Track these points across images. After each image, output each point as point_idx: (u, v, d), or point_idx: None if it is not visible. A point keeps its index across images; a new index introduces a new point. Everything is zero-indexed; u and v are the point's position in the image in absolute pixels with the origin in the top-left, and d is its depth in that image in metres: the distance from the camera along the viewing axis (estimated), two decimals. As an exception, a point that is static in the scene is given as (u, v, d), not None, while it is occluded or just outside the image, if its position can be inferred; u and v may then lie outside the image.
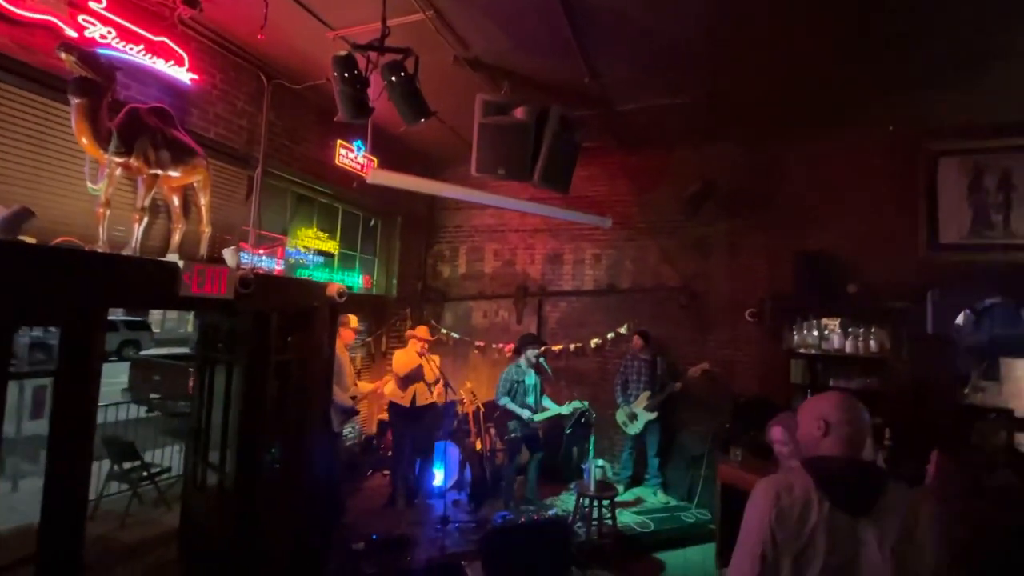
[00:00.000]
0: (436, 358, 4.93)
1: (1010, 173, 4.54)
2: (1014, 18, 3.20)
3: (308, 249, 4.95)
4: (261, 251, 4.16)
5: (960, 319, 4.48)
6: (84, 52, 2.44)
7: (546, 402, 4.79)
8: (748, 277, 5.40)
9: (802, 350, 4.80)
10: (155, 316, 21.48)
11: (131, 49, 3.18)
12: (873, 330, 4.57)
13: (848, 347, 4.62)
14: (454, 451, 4.94)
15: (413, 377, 4.59)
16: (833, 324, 4.77)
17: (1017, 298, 4.27)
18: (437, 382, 4.67)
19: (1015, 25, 3.25)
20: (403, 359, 4.64)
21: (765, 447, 4.36)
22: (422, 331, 4.83)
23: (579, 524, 4.12)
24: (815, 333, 4.79)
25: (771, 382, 4.94)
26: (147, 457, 4.68)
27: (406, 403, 4.57)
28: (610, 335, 5.84)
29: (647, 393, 5.07)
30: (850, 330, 4.66)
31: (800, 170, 5.28)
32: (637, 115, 4.88)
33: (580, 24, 3.48)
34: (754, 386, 5.15)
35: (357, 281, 5.81)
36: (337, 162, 4.94)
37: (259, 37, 3.47)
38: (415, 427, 4.63)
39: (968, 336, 4.61)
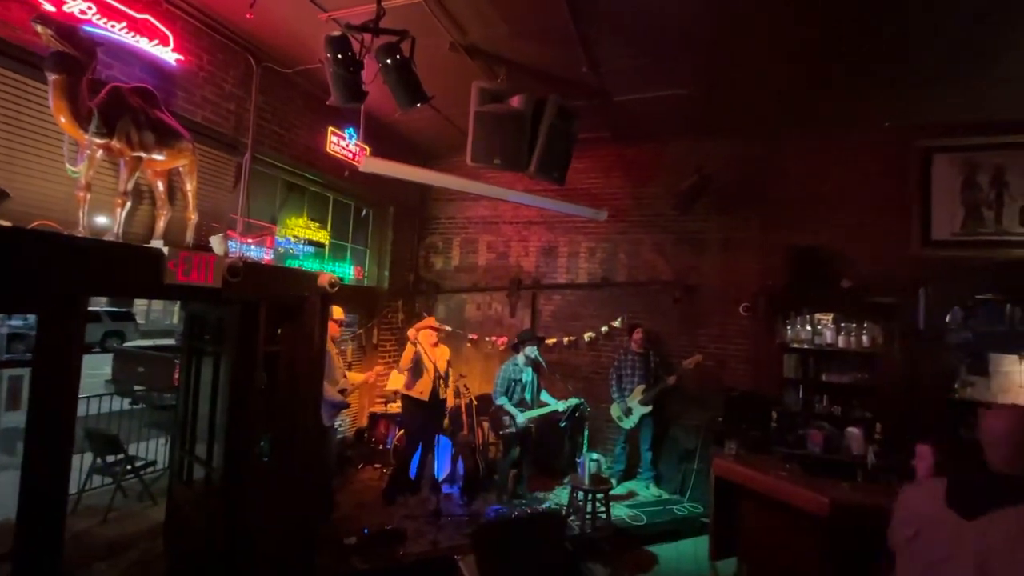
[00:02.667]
0: (445, 349, 4.82)
1: (1003, 170, 4.56)
2: (1007, 17, 3.19)
3: (298, 239, 4.84)
4: (250, 240, 4.05)
5: (950, 315, 4.51)
6: (62, 25, 2.32)
7: (545, 396, 4.75)
8: (741, 272, 5.40)
9: (795, 344, 4.80)
10: (140, 307, 21.10)
11: (112, 26, 3.04)
12: (865, 325, 4.60)
13: (841, 342, 4.64)
14: (446, 444, 4.89)
15: (416, 367, 4.51)
16: (826, 319, 4.79)
17: (1006, 294, 4.31)
18: (446, 377, 4.58)
19: (1008, 25, 3.24)
20: (405, 354, 4.59)
21: (759, 440, 4.41)
22: (428, 321, 4.78)
23: (573, 517, 4.10)
24: (808, 328, 4.80)
25: (764, 376, 4.95)
26: (131, 450, 4.57)
27: (426, 397, 4.50)
28: (604, 328, 5.81)
29: (641, 386, 5.06)
30: (843, 325, 4.68)
31: (794, 166, 5.28)
32: (634, 107, 4.83)
33: (580, 11, 3.41)
34: (747, 380, 5.16)
35: (348, 272, 5.71)
36: (328, 150, 4.82)
37: (248, 16, 3.35)
38: (430, 420, 4.58)
39: (957, 332, 4.65)
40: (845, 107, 4.66)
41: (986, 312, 4.60)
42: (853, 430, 4.38)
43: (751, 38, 3.64)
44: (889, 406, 4.36)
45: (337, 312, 4.33)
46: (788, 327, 4.87)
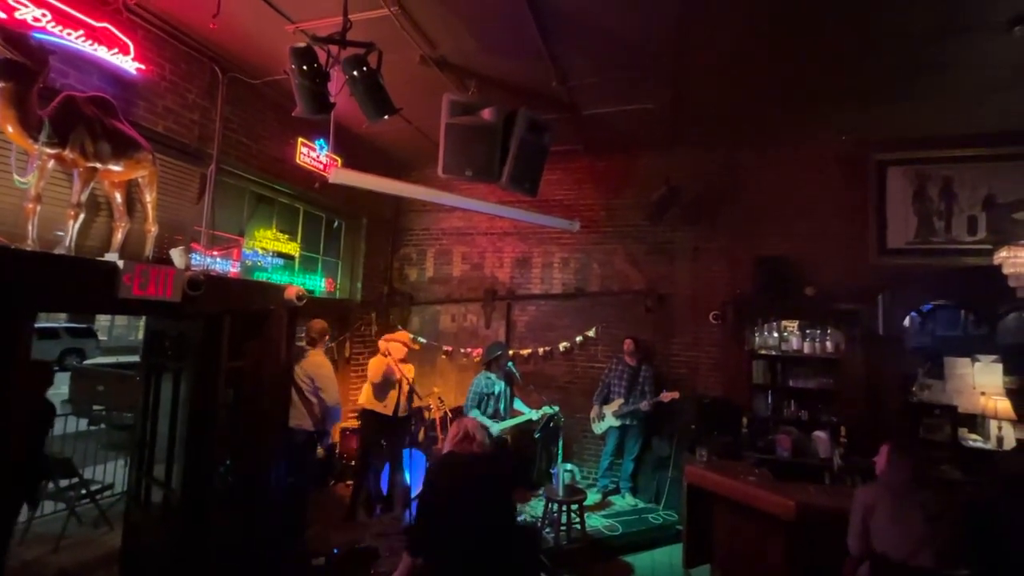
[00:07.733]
0: (410, 367, 4.72)
1: (951, 182, 4.81)
2: (953, 39, 3.39)
3: (267, 251, 4.74)
4: (215, 252, 3.95)
5: (907, 321, 4.70)
6: (10, 32, 2.25)
7: (519, 405, 4.71)
8: (711, 281, 5.52)
9: (763, 351, 4.92)
10: (103, 323, 20.25)
11: (69, 34, 2.96)
12: (829, 331, 4.74)
13: (806, 348, 4.77)
14: (420, 458, 4.80)
15: (387, 382, 4.42)
16: (792, 326, 4.92)
17: (958, 300, 4.52)
18: (410, 394, 4.47)
19: (955, 42, 3.44)
20: (376, 365, 4.48)
21: (730, 446, 4.46)
22: (403, 336, 4.68)
23: (548, 529, 4.07)
24: (775, 335, 4.93)
25: (734, 383, 5.04)
26: (89, 473, 4.37)
27: (388, 412, 4.39)
28: (579, 338, 5.85)
29: (620, 401, 5.06)
30: (808, 332, 4.81)
31: (760, 178, 5.45)
32: (603, 120, 4.92)
33: (547, 27, 3.47)
34: (718, 387, 5.25)
35: (319, 284, 5.62)
36: (298, 161, 4.75)
37: (211, 27, 3.30)
38: (391, 437, 4.47)
39: (915, 337, 4.85)
40: (805, 122, 4.85)
41: (940, 317, 4.81)
42: (820, 434, 4.49)
43: (713, 56, 3.76)
44: (853, 409, 4.49)
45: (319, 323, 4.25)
46: (756, 334, 4.98)
